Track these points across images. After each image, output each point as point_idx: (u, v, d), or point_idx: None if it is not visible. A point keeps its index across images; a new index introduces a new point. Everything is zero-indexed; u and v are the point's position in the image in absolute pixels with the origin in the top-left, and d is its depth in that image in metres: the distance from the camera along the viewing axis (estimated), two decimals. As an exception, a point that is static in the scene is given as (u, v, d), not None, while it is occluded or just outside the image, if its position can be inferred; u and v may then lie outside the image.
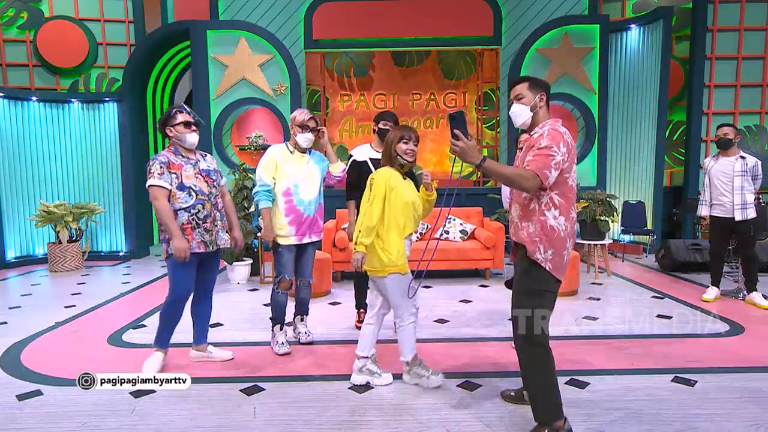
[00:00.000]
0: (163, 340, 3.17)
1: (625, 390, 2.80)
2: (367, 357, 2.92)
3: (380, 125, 3.76)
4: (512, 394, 2.72)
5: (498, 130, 7.98)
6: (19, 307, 4.78)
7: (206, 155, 3.23)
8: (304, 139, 3.39)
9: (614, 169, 7.60)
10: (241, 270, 5.66)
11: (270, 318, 3.52)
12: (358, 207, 3.32)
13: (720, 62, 7.34)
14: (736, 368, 3.11)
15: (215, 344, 3.63)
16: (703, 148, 7.39)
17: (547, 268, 2.22)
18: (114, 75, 7.68)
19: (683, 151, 7.57)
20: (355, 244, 2.74)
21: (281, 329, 3.50)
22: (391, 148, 2.82)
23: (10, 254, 6.91)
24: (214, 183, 3.14)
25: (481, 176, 8.19)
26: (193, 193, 3.00)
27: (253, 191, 3.39)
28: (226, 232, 3.20)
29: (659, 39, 6.95)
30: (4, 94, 6.76)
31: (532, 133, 2.29)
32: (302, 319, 3.69)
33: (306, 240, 3.45)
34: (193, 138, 3.04)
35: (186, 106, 3.08)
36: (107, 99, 7.25)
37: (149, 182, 2.91)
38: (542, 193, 2.22)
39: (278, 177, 3.36)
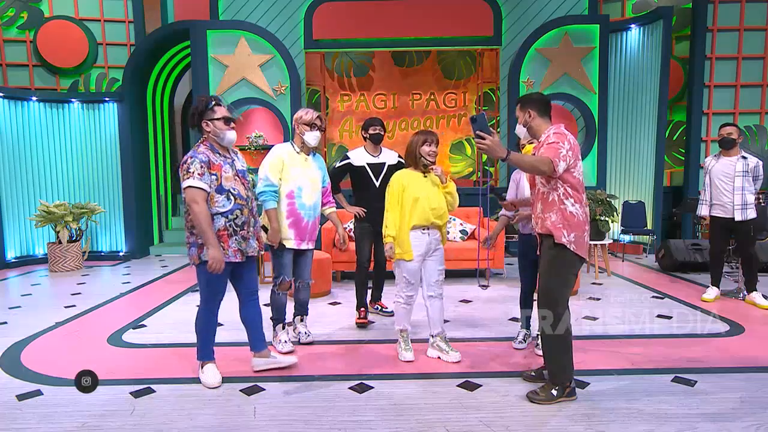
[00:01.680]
0: (206, 353, 2.96)
1: (625, 390, 2.80)
2: (400, 330, 3.32)
3: (371, 131, 4.02)
4: (533, 374, 2.94)
5: (498, 129, 7.98)
6: (19, 307, 4.78)
7: (238, 152, 2.99)
8: (314, 137, 3.37)
9: (614, 169, 7.60)
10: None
11: (270, 318, 3.52)
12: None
13: (720, 62, 7.34)
14: (736, 368, 3.11)
15: (215, 345, 3.64)
16: (703, 148, 7.40)
17: (572, 249, 2.59)
18: (114, 75, 7.69)
19: (683, 151, 7.57)
20: (384, 237, 3.21)
21: (283, 328, 3.50)
22: (416, 151, 3.17)
23: (10, 254, 6.91)
24: (249, 185, 2.93)
25: (481, 176, 8.20)
26: (232, 197, 2.77)
27: (258, 190, 3.29)
28: (257, 239, 3.01)
29: (659, 39, 6.95)
30: (4, 94, 6.76)
31: (540, 141, 2.70)
32: (302, 320, 3.68)
33: (304, 246, 3.42)
34: (233, 135, 2.81)
35: (221, 98, 2.84)
36: (107, 99, 7.24)
37: (188, 183, 2.64)
38: (557, 185, 2.60)
39: (284, 178, 3.33)
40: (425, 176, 3.21)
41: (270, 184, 3.29)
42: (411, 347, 3.31)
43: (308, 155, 3.46)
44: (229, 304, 4.70)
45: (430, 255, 3.23)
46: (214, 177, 2.72)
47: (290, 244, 3.37)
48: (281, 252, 3.37)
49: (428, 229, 3.19)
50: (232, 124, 2.82)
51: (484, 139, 2.40)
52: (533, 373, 2.94)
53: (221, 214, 2.74)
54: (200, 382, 2.93)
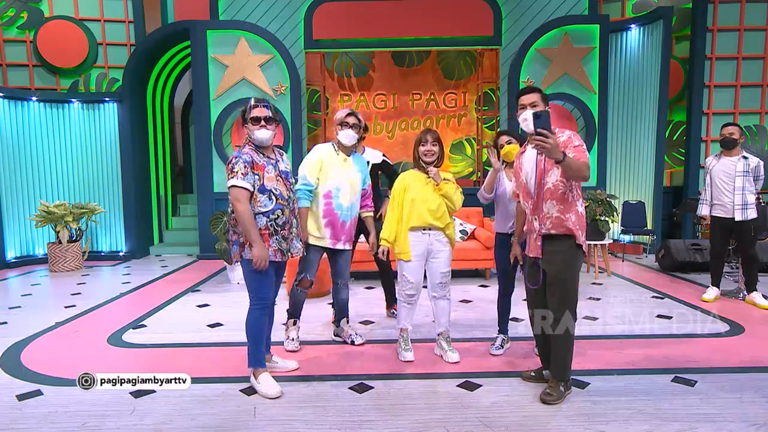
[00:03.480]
0: (259, 359, 2.87)
1: (625, 390, 2.80)
2: (401, 329, 3.35)
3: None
4: (533, 374, 2.93)
5: (498, 130, 7.98)
6: (19, 307, 4.78)
7: (284, 154, 3.01)
8: (345, 135, 3.37)
9: (614, 169, 7.60)
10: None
11: (286, 311, 3.55)
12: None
13: (720, 62, 7.34)
14: (736, 368, 3.11)
15: (215, 345, 3.65)
16: (703, 148, 7.40)
17: (584, 249, 2.67)
18: (114, 75, 7.69)
19: (683, 151, 7.57)
20: (380, 240, 3.25)
21: (294, 324, 3.52)
22: (416, 151, 3.18)
23: (10, 254, 6.91)
24: (291, 187, 2.95)
25: (481, 176, 8.19)
26: (274, 197, 2.78)
27: (294, 188, 3.25)
28: (300, 240, 3.01)
29: (659, 39, 6.95)
30: (4, 94, 6.76)
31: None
32: (347, 322, 3.67)
33: (340, 246, 3.42)
34: (261, 134, 2.76)
35: (266, 100, 2.83)
36: (107, 99, 7.25)
37: (232, 182, 2.67)
38: (573, 185, 2.59)
39: (322, 178, 3.34)
40: (428, 177, 3.18)
41: (306, 184, 3.30)
42: (411, 347, 3.32)
43: (348, 156, 3.46)
44: (227, 303, 4.73)
45: (434, 256, 3.19)
46: (256, 177, 2.73)
47: (325, 243, 3.37)
48: (308, 250, 3.37)
49: (428, 230, 3.17)
50: (262, 123, 2.76)
51: (547, 137, 2.31)
52: (533, 374, 2.94)
53: (263, 214, 2.75)
54: (200, 382, 2.92)
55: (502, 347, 3.41)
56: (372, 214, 3.69)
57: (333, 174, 3.36)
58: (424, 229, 3.16)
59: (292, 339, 3.48)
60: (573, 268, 2.66)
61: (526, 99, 2.68)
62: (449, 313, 3.31)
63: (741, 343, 3.57)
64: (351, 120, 3.39)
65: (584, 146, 2.57)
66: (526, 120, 2.56)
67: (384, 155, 4.17)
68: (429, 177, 3.15)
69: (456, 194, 3.18)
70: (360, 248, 4.45)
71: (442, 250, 3.20)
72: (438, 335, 3.31)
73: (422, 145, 3.14)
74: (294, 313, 3.54)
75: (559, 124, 7.27)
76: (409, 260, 3.16)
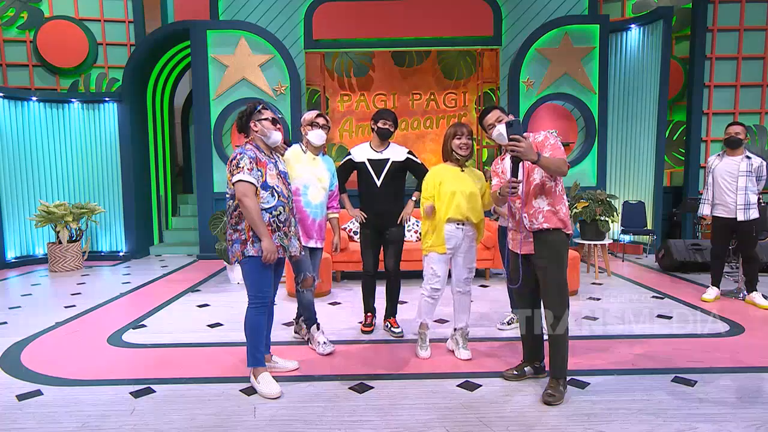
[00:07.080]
0: (258, 359, 2.86)
1: (625, 390, 2.80)
2: (419, 324, 3.37)
3: (379, 124, 3.64)
4: (515, 372, 2.96)
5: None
6: (19, 307, 4.78)
7: (279, 156, 3.08)
8: (315, 135, 3.39)
9: (614, 169, 7.60)
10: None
11: (303, 320, 3.54)
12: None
13: (720, 62, 7.34)
14: (736, 368, 3.11)
15: (215, 345, 3.65)
16: (703, 148, 7.40)
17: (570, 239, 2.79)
18: (114, 75, 7.69)
19: (683, 151, 7.57)
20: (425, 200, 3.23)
21: (318, 329, 3.49)
22: (448, 145, 3.19)
23: (10, 254, 6.91)
24: (289, 186, 2.99)
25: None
26: (276, 194, 2.82)
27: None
28: (297, 239, 3.03)
29: (659, 39, 6.95)
30: (4, 94, 6.76)
31: (533, 139, 2.75)
32: (318, 328, 3.54)
33: (312, 244, 3.42)
34: (278, 136, 2.89)
35: (268, 103, 2.95)
36: (107, 99, 7.24)
37: (239, 177, 2.68)
38: (558, 180, 2.72)
39: (290, 176, 3.31)
40: (462, 170, 3.19)
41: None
42: (427, 346, 3.32)
43: (316, 155, 3.47)
44: (227, 303, 4.73)
45: (462, 251, 3.20)
46: (260, 173, 2.77)
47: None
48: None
49: (463, 224, 3.17)
50: (278, 125, 2.91)
51: (519, 142, 2.49)
52: (515, 372, 2.96)
53: (265, 210, 2.79)
54: (200, 382, 2.92)
55: (509, 324, 3.70)
56: (337, 215, 3.63)
57: (300, 171, 3.37)
58: (459, 223, 3.16)
59: (324, 343, 3.41)
60: (563, 260, 2.73)
61: (491, 117, 2.92)
62: (470, 309, 3.35)
63: (741, 343, 3.57)
64: (321, 121, 3.43)
65: (559, 143, 2.69)
66: (501, 134, 2.73)
67: (410, 152, 3.77)
68: (464, 170, 3.19)
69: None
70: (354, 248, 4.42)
71: (471, 246, 3.24)
72: (456, 329, 3.32)
73: (457, 138, 3.14)
74: (311, 318, 3.48)
75: (559, 124, 7.28)
76: (443, 253, 3.15)
